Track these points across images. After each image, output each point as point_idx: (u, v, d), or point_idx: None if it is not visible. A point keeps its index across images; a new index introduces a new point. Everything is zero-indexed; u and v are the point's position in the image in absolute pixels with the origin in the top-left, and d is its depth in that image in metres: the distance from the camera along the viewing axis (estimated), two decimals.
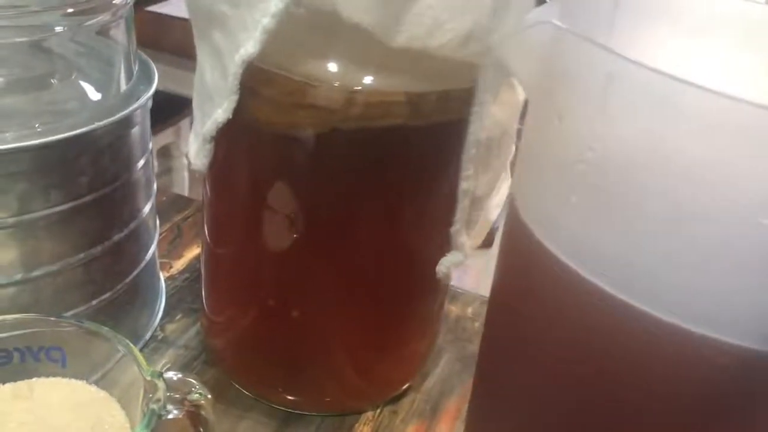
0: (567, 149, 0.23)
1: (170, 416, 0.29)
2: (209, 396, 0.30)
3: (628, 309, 0.22)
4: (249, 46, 0.29)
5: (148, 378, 0.29)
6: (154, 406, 0.28)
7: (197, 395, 0.30)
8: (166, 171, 1.90)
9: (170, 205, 0.57)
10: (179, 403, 0.29)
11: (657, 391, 0.24)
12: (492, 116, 0.31)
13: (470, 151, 0.31)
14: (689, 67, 0.29)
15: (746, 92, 0.30)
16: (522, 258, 0.26)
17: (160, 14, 1.76)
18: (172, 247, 0.53)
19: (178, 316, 0.46)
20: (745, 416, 0.24)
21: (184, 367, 0.42)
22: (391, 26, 0.29)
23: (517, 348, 0.28)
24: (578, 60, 0.22)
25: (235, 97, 0.31)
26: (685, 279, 0.21)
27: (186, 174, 1.94)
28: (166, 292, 0.48)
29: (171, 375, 0.30)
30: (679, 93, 0.19)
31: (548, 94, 0.24)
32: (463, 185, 0.32)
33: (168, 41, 1.68)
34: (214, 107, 0.32)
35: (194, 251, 0.52)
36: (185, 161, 1.92)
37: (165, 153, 1.82)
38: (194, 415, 0.31)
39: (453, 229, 0.34)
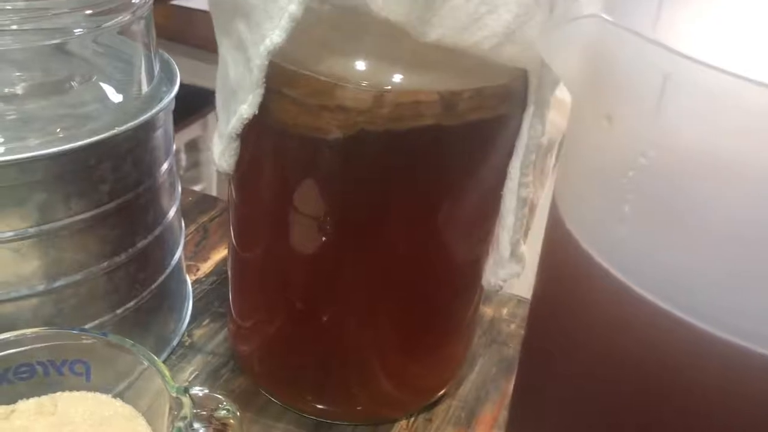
0: (617, 155, 0.21)
1: None
2: (238, 413, 0.29)
3: (683, 325, 0.20)
4: (275, 36, 0.28)
5: (174, 394, 0.28)
6: (180, 424, 0.27)
7: (224, 412, 0.29)
8: (194, 165, 1.90)
9: (196, 206, 0.56)
10: (206, 420, 0.28)
11: (718, 418, 0.22)
12: (550, 118, 0.29)
13: (530, 156, 0.29)
14: (744, 63, 0.27)
15: None
16: (566, 268, 0.25)
17: (185, 8, 1.76)
18: (198, 249, 0.52)
19: (206, 321, 0.45)
20: None
21: (212, 375, 0.41)
22: (424, 21, 0.27)
23: (559, 360, 0.27)
24: (630, 58, 0.20)
25: (260, 91, 0.29)
26: (756, 298, 0.19)
27: (213, 168, 1.94)
28: (193, 296, 0.47)
29: (197, 391, 0.29)
30: (748, 95, 0.17)
31: (595, 94, 0.22)
32: (522, 192, 0.30)
33: (193, 35, 1.67)
34: (238, 104, 0.31)
35: (221, 253, 0.51)
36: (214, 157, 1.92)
37: (192, 147, 1.82)
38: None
39: (512, 239, 0.32)
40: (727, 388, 0.20)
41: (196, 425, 0.28)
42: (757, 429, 0.20)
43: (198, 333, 0.44)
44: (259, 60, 0.28)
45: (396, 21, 0.27)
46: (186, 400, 0.28)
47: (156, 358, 0.30)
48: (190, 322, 0.45)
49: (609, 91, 0.21)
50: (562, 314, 0.26)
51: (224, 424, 0.29)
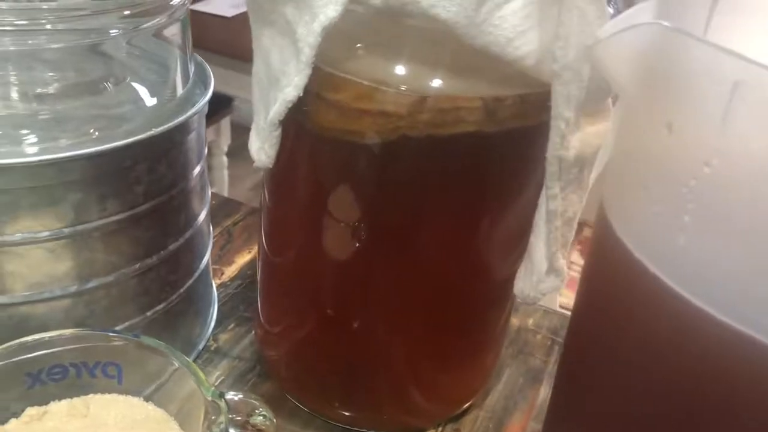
0: (678, 163, 0.21)
1: None
2: (274, 420, 0.28)
3: (744, 340, 0.20)
4: (329, 11, 0.27)
5: (210, 398, 0.28)
6: (217, 430, 0.27)
7: (261, 418, 0.28)
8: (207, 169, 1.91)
9: (219, 209, 0.56)
10: (242, 426, 0.28)
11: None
12: (581, 132, 0.28)
13: (551, 168, 0.29)
14: None
15: None
16: (615, 278, 0.24)
17: (200, 12, 1.77)
18: (223, 252, 0.51)
19: (231, 326, 0.45)
20: None
21: (239, 379, 0.41)
22: (476, 25, 0.27)
23: (604, 375, 0.26)
24: (694, 66, 0.20)
25: (308, 72, 0.29)
26: None
27: (225, 172, 1.95)
28: (218, 300, 0.46)
29: (232, 395, 0.29)
30: None
31: (653, 102, 0.22)
32: (550, 205, 0.30)
33: (208, 39, 1.68)
34: (281, 89, 0.30)
35: (245, 257, 0.51)
36: (224, 159, 1.93)
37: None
38: None
39: (547, 253, 0.31)
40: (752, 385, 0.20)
41: (231, 431, 0.27)
42: None
43: (223, 337, 0.44)
44: (312, 38, 0.28)
45: (446, 18, 0.27)
46: (222, 404, 0.27)
47: (188, 359, 0.30)
48: (215, 327, 0.44)
49: (669, 98, 0.21)
50: (609, 327, 0.25)
51: (259, 431, 0.28)
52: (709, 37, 0.26)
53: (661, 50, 0.21)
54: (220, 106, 1.81)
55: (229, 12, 1.81)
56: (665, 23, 0.21)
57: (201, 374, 0.29)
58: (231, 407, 0.28)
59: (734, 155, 0.19)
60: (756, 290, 0.19)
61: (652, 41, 0.21)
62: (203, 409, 0.28)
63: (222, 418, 0.27)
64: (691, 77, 0.20)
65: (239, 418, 0.28)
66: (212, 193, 0.60)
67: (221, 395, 0.28)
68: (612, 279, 0.24)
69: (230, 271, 0.50)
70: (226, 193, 1.73)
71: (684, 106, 0.20)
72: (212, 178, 1.89)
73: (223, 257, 0.51)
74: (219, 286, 0.48)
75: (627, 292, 0.24)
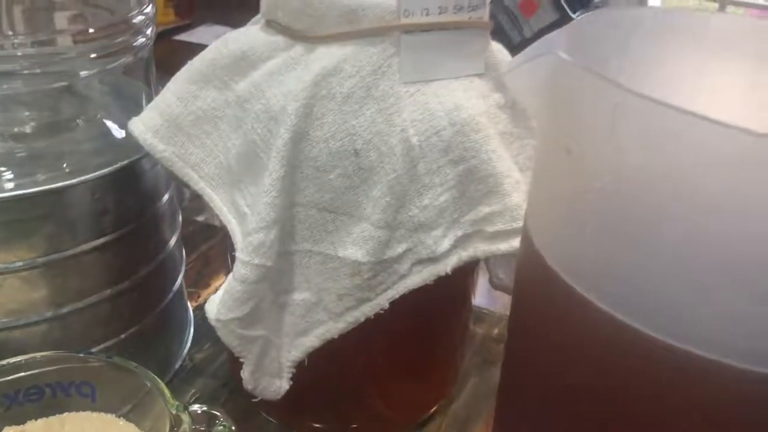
0: (576, 180, 0.23)
1: None
2: (233, 428, 0.30)
3: (639, 336, 0.22)
4: None
5: (174, 411, 0.30)
6: None
7: (221, 427, 0.30)
8: (197, 196, 1.93)
9: (197, 235, 0.58)
10: None
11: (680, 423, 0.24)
12: None
13: None
14: (710, 85, 0.30)
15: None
16: (537, 286, 0.27)
17: (185, 42, 1.80)
18: (200, 276, 0.54)
19: (207, 345, 0.47)
20: None
21: (212, 396, 0.43)
22: None
23: (533, 374, 0.29)
24: (583, 91, 0.22)
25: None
26: (703, 308, 0.21)
27: None
28: (195, 322, 0.48)
29: (196, 408, 0.31)
30: (685, 124, 0.19)
31: (556, 125, 0.24)
32: None
33: None
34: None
35: (221, 280, 0.53)
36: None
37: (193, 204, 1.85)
38: None
39: None
40: (675, 388, 0.22)
41: None
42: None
43: (199, 357, 0.46)
44: None
45: None
46: (185, 416, 0.30)
47: (157, 378, 0.32)
48: (192, 346, 0.46)
49: (567, 122, 0.23)
50: (533, 330, 0.27)
51: None
52: (632, 56, 0.28)
53: (559, 79, 0.23)
54: None
55: (212, 42, 1.84)
56: (562, 54, 0.23)
57: (166, 390, 0.31)
58: (194, 419, 0.30)
59: (620, 170, 0.21)
60: (645, 290, 0.22)
61: (551, 71, 0.24)
62: (168, 423, 0.30)
63: (184, 427, 0.29)
64: (582, 102, 0.23)
65: (202, 428, 0.30)
66: (191, 219, 0.62)
67: (185, 408, 0.30)
68: (533, 289, 0.27)
69: (207, 293, 0.52)
70: (216, 219, 1.75)
71: (579, 129, 0.23)
72: (203, 205, 1.91)
73: (200, 281, 0.53)
74: (196, 308, 0.50)
75: (545, 299, 0.26)
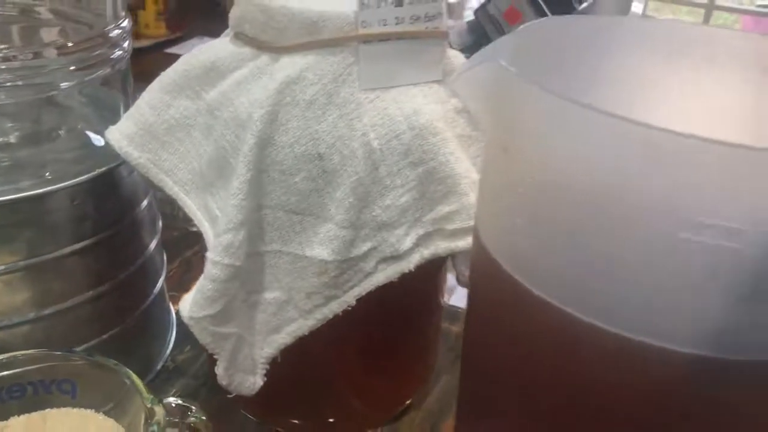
0: (511, 176, 0.25)
1: None
2: (204, 418, 0.32)
3: (566, 317, 0.24)
4: None
5: (149, 405, 0.32)
6: (154, 428, 0.30)
7: (194, 418, 0.32)
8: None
9: (180, 241, 0.60)
10: (177, 426, 0.32)
11: (613, 403, 0.25)
12: None
13: None
14: (662, 87, 0.31)
15: (706, 108, 0.32)
16: (485, 278, 0.28)
17: (174, 54, 1.82)
18: (182, 281, 0.55)
19: (188, 348, 0.48)
20: (704, 423, 0.25)
21: (192, 394, 0.44)
22: None
23: (485, 361, 0.30)
24: (518, 96, 0.24)
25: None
26: (617, 289, 0.22)
27: None
28: (177, 324, 0.50)
29: (170, 401, 0.32)
30: (600, 123, 0.21)
31: (495, 126, 0.26)
32: None
33: None
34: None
35: None
36: None
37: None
38: None
39: None
40: (597, 364, 0.23)
41: (168, 430, 0.31)
42: (634, 402, 0.24)
43: (181, 358, 0.47)
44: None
45: None
46: (159, 408, 0.31)
47: (132, 373, 0.33)
48: (173, 348, 0.48)
49: (504, 123, 0.25)
50: (483, 319, 0.29)
51: (195, 429, 0.32)
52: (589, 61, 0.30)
53: (497, 83, 0.25)
54: None
55: None
56: (501, 62, 0.25)
57: (141, 384, 0.33)
58: (168, 411, 0.32)
59: (547, 166, 0.23)
60: (569, 275, 0.23)
61: (492, 76, 0.25)
62: (143, 415, 0.32)
63: (158, 418, 0.30)
64: (516, 106, 0.24)
65: (176, 420, 0.32)
66: (175, 225, 0.63)
67: (160, 401, 0.32)
68: (482, 281, 0.28)
69: None
70: None
71: (513, 130, 0.25)
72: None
73: (182, 285, 0.55)
74: (178, 311, 0.51)
75: (491, 289, 0.27)
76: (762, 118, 0.31)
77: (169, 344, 0.48)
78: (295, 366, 0.41)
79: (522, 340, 0.26)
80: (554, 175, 0.23)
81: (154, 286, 0.45)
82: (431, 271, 0.40)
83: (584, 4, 1.31)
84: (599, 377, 0.25)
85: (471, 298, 0.31)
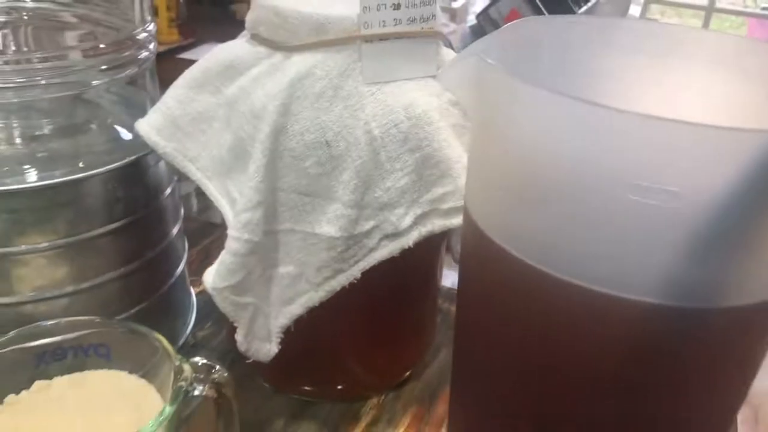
0: (491, 155, 0.29)
1: (196, 392, 0.35)
2: (226, 375, 0.36)
3: (540, 275, 0.28)
4: None
5: (177, 363, 0.36)
6: (182, 383, 0.34)
7: (217, 375, 0.36)
8: (204, 208, 2.01)
9: (200, 231, 0.64)
10: (203, 382, 0.36)
11: (584, 351, 0.29)
12: None
13: None
14: (627, 78, 0.35)
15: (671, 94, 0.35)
16: (472, 246, 0.32)
17: (191, 60, 1.87)
18: (201, 267, 0.59)
19: (208, 325, 0.52)
20: (664, 367, 0.29)
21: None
22: None
23: (474, 325, 0.34)
24: (495, 84, 0.28)
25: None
26: (583, 247, 0.26)
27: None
28: (197, 305, 0.54)
29: (196, 360, 0.36)
30: (559, 104, 0.25)
31: (478, 112, 0.30)
32: None
33: None
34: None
35: None
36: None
37: (202, 191, 1.92)
38: (218, 398, 0.37)
39: None
40: (566, 315, 0.27)
41: (194, 385, 0.35)
42: (605, 355, 0.28)
43: (201, 334, 0.52)
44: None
45: None
46: (187, 366, 0.35)
47: (162, 337, 0.37)
48: (194, 327, 0.52)
49: (484, 109, 0.29)
50: (470, 285, 0.33)
51: (218, 384, 0.36)
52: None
53: (480, 75, 0.29)
54: None
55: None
56: (481, 55, 0.29)
57: (170, 348, 0.37)
58: (195, 369, 0.36)
59: (520, 145, 0.27)
60: (546, 239, 0.27)
61: (477, 68, 0.30)
62: (173, 375, 0.36)
63: (186, 374, 0.35)
64: (492, 91, 0.28)
65: (201, 376, 0.36)
66: (194, 217, 0.68)
67: (187, 360, 0.36)
68: (470, 249, 0.33)
69: None
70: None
71: (491, 113, 0.29)
72: (210, 216, 1.98)
73: (201, 270, 0.59)
74: (198, 294, 0.56)
75: (477, 255, 0.31)
76: (733, 116, 0.35)
77: (189, 323, 0.52)
78: (306, 336, 0.45)
79: (503, 299, 0.30)
80: (525, 151, 0.27)
81: (177, 268, 0.49)
82: (429, 251, 0.45)
83: (583, 8, 1.35)
84: (569, 328, 0.29)
85: (462, 268, 0.35)
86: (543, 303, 0.29)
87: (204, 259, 0.61)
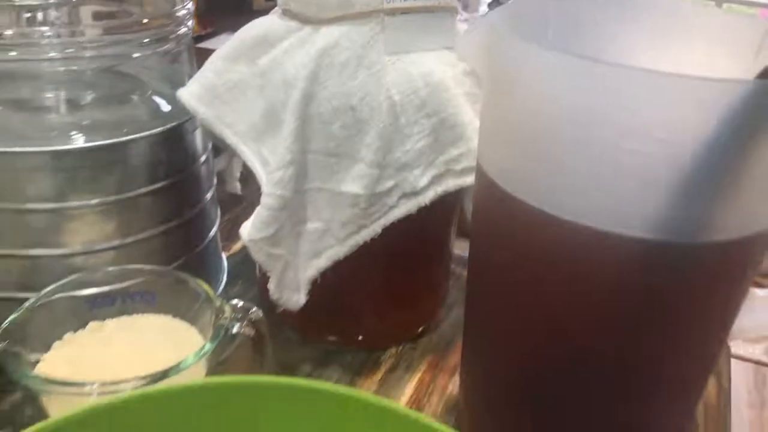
0: (500, 111, 0.32)
1: (234, 330, 0.39)
2: (261, 314, 0.40)
3: (544, 217, 0.31)
4: None
5: (218, 304, 0.40)
6: (223, 322, 0.38)
7: (253, 315, 0.40)
8: (221, 182, 2.06)
9: (228, 202, 0.68)
10: (241, 320, 0.40)
11: (585, 287, 0.33)
12: None
13: None
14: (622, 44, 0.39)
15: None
16: (484, 197, 0.36)
17: (206, 49, 1.91)
18: (230, 233, 0.63)
19: (239, 283, 0.57)
20: (654, 299, 0.33)
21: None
22: None
23: (486, 272, 0.38)
24: (504, 49, 0.32)
25: None
26: (583, 191, 0.30)
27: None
28: (228, 266, 0.58)
29: (235, 302, 0.40)
30: (560, 62, 0.28)
31: (488, 73, 0.34)
32: None
33: None
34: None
35: None
36: (237, 185, 2.07)
37: (220, 180, 1.96)
38: (254, 335, 0.41)
39: None
40: (568, 252, 0.31)
41: (233, 323, 0.39)
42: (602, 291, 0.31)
43: (232, 291, 0.56)
44: None
45: None
46: (227, 306, 0.39)
47: (203, 282, 0.41)
48: (225, 285, 0.56)
49: (493, 71, 0.33)
50: (483, 234, 0.37)
51: (255, 323, 0.40)
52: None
53: (492, 41, 0.33)
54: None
55: None
56: (494, 23, 0.33)
57: (211, 291, 0.41)
58: (233, 309, 0.40)
59: (525, 100, 0.31)
60: (551, 184, 0.31)
61: (489, 36, 0.33)
62: (213, 313, 0.40)
63: (226, 314, 0.39)
64: (500, 55, 0.32)
65: (240, 315, 0.40)
66: (222, 189, 0.72)
67: (227, 301, 0.40)
68: (481, 200, 0.36)
69: (236, 246, 0.62)
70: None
71: (499, 74, 0.32)
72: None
73: (230, 237, 0.63)
74: (229, 257, 0.60)
75: (487, 204, 0.35)
76: None
77: (221, 282, 0.56)
78: (331, 289, 0.49)
79: (511, 242, 0.34)
80: (531, 107, 0.31)
81: (210, 230, 0.53)
82: (444, 212, 0.48)
83: None
84: (571, 264, 0.33)
85: (473, 220, 0.38)
86: (546, 242, 0.33)
87: (233, 226, 0.65)
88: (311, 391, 0.26)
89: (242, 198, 0.70)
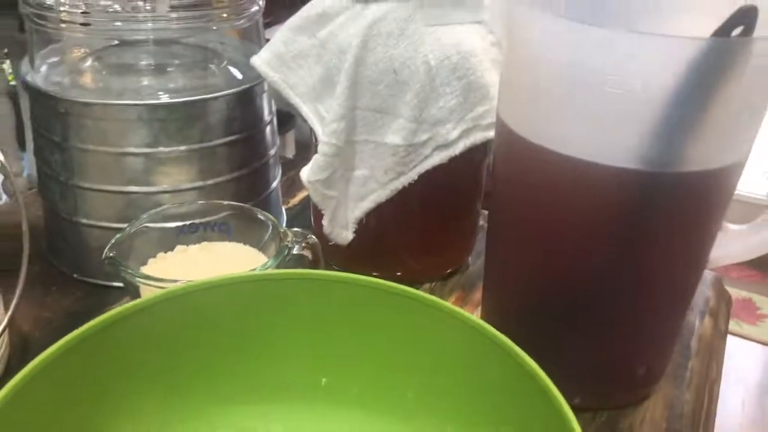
0: (515, 69, 0.40)
1: (294, 250, 0.48)
2: (315, 239, 0.49)
3: (553, 155, 0.39)
4: None
5: (281, 230, 0.48)
6: (286, 243, 0.47)
7: (311, 239, 0.49)
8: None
9: (286, 165, 0.77)
10: (299, 243, 0.48)
11: (584, 214, 0.40)
12: None
13: None
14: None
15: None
16: (502, 142, 0.44)
17: (267, 39, 2.01)
18: (289, 191, 0.72)
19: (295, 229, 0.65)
20: (641, 222, 0.40)
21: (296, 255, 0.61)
22: None
23: (504, 210, 0.46)
24: (519, 15, 0.40)
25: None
26: (577, 128, 0.37)
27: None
28: (287, 216, 0.67)
29: (295, 229, 0.49)
30: (558, 25, 0.36)
31: (506, 37, 0.42)
32: None
33: None
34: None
35: (304, 193, 0.72)
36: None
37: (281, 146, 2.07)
38: (311, 256, 0.50)
39: None
40: (568, 185, 0.39)
41: (293, 245, 0.48)
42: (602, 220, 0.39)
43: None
44: None
45: None
46: (289, 232, 0.48)
47: (270, 215, 0.50)
48: None
49: (512, 35, 0.41)
50: (501, 172, 0.45)
51: (311, 246, 0.49)
52: None
53: (510, 11, 0.41)
54: (283, 122, 2.04)
55: None
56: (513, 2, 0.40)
57: (276, 221, 0.49)
58: (294, 235, 0.48)
59: (537, 60, 0.39)
60: (557, 125, 0.39)
61: (507, 5, 0.41)
62: (279, 237, 0.48)
63: (289, 238, 0.47)
64: (519, 21, 0.40)
65: (299, 239, 0.49)
66: (281, 155, 0.81)
67: (289, 229, 0.48)
68: (500, 145, 0.44)
69: (294, 201, 0.71)
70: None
71: (517, 39, 0.40)
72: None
73: (288, 193, 0.72)
74: (287, 209, 0.69)
75: (505, 150, 0.43)
76: None
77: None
78: (374, 232, 0.57)
79: (524, 179, 0.42)
80: (538, 62, 0.39)
81: (273, 182, 0.62)
82: (473, 165, 0.56)
83: None
84: (571, 194, 0.40)
85: (493, 163, 0.46)
86: (552, 176, 0.40)
87: (290, 186, 0.74)
88: (365, 285, 0.38)
89: (297, 163, 0.79)
